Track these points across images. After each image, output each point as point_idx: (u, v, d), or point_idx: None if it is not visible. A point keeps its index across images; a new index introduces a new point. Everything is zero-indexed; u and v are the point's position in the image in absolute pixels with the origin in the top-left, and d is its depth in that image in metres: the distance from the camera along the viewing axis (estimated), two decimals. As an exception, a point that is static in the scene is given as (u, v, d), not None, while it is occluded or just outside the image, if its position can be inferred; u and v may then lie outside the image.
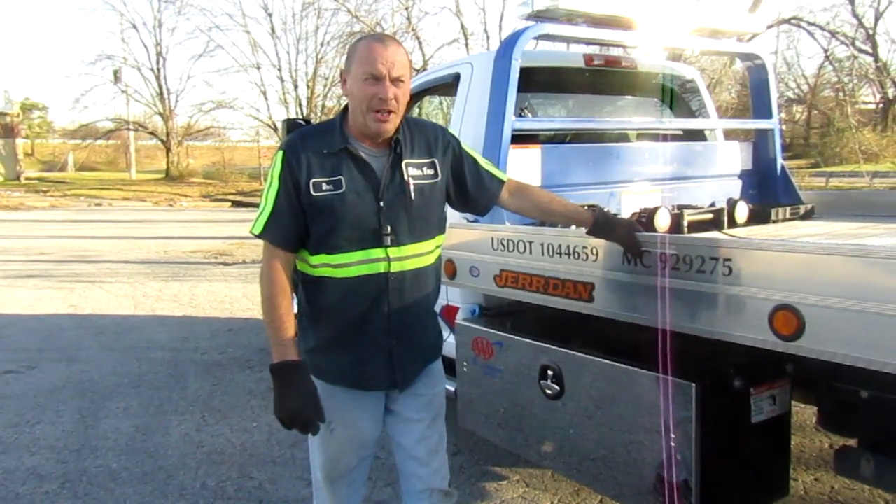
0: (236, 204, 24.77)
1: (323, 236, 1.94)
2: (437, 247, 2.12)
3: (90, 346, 6.08)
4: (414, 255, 2.01)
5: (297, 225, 1.94)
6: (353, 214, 1.92)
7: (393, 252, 1.96)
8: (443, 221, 2.14)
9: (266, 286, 1.95)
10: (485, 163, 2.24)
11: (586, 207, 3.19)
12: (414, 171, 2.01)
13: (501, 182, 2.25)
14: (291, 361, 1.91)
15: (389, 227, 1.95)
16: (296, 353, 1.93)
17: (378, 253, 1.95)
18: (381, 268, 1.96)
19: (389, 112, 1.91)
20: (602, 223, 2.24)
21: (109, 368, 5.41)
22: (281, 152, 1.96)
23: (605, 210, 2.21)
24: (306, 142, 1.97)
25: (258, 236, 1.96)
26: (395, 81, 1.90)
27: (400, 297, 2.00)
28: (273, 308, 1.93)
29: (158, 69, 35.72)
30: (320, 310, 2.01)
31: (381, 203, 1.94)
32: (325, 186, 1.91)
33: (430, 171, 2.05)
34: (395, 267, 1.97)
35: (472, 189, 2.17)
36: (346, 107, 2.02)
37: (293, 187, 1.92)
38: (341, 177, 1.93)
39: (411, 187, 1.98)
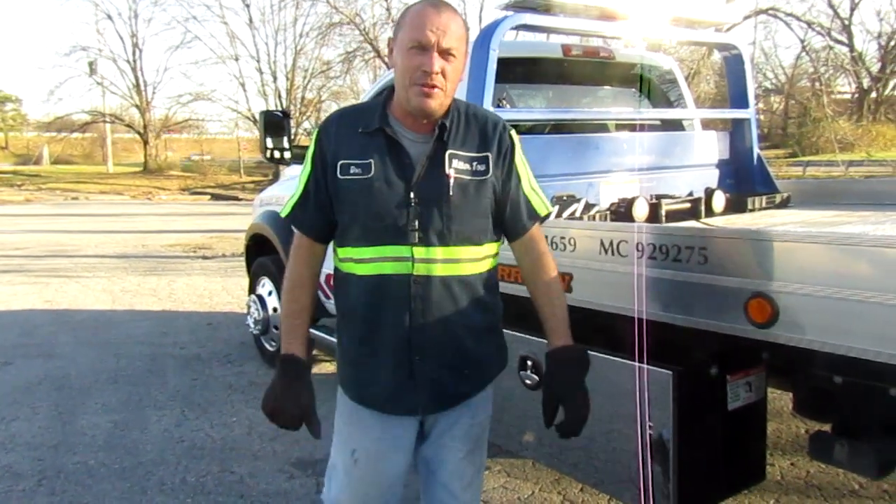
0: (216, 197, 24.57)
1: (348, 226, 1.74)
2: (487, 256, 1.80)
3: (67, 342, 6.00)
4: (446, 260, 1.72)
5: (323, 212, 1.76)
6: (379, 204, 1.69)
7: (419, 252, 1.70)
8: (491, 227, 1.80)
9: (287, 276, 1.83)
10: (529, 186, 1.85)
11: (567, 197, 3.21)
12: (459, 165, 1.72)
13: (536, 217, 1.85)
14: (292, 356, 1.78)
15: (417, 223, 1.69)
16: (302, 350, 1.80)
17: (403, 251, 1.70)
18: (404, 268, 1.71)
19: (434, 87, 1.65)
20: (554, 361, 1.86)
21: (87, 364, 5.34)
22: (316, 131, 1.80)
23: (573, 358, 1.84)
24: (344, 119, 1.80)
25: (286, 218, 1.82)
26: (445, 53, 1.64)
27: (424, 305, 1.72)
28: (289, 301, 1.82)
29: (135, 61, 35.24)
30: (345, 312, 1.83)
31: (412, 195, 1.69)
32: (352, 170, 1.71)
33: (481, 168, 1.75)
34: (420, 269, 1.70)
35: (507, 215, 1.82)
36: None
37: (322, 169, 1.74)
38: (371, 160, 1.70)
39: (451, 181, 1.70)
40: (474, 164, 1.74)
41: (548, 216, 1.90)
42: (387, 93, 1.80)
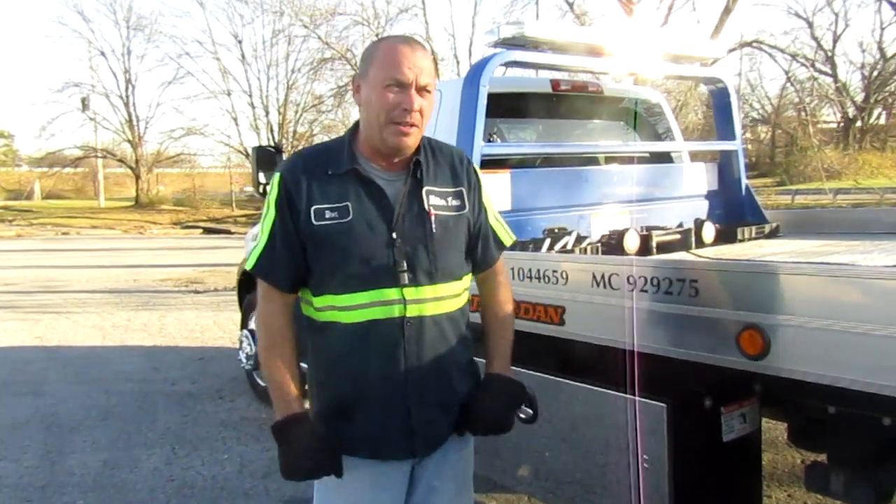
0: (207, 231, 24.54)
1: (328, 273, 1.66)
2: (465, 290, 1.81)
3: (56, 379, 5.93)
4: (435, 299, 1.70)
5: (294, 260, 1.67)
6: (363, 247, 1.64)
7: (410, 293, 1.66)
8: (468, 261, 1.81)
9: (263, 334, 1.70)
10: (494, 217, 1.87)
11: (558, 230, 3.24)
12: (436, 201, 1.71)
13: (502, 248, 1.89)
14: (297, 415, 1.66)
15: (405, 264, 1.65)
16: (301, 405, 1.68)
17: (393, 294, 1.65)
18: (395, 311, 1.66)
19: (412, 125, 1.63)
20: (481, 384, 1.85)
21: (76, 401, 5.28)
22: (278, 175, 1.68)
23: (508, 388, 1.86)
24: (308, 162, 1.70)
25: (250, 272, 1.71)
26: (422, 91, 1.63)
27: (419, 348, 1.69)
28: (271, 358, 1.69)
29: (127, 96, 35.50)
30: (328, 363, 1.73)
31: (395, 235, 1.65)
32: (328, 214, 1.64)
33: (457, 202, 1.75)
34: (413, 311, 1.67)
35: (478, 248, 1.83)
36: (357, 123, 1.75)
37: (291, 216, 1.65)
38: (348, 203, 1.65)
39: (433, 219, 1.69)
40: (450, 199, 1.74)
41: (511, 246, 1.92)
42: (350, 131, 1.75)
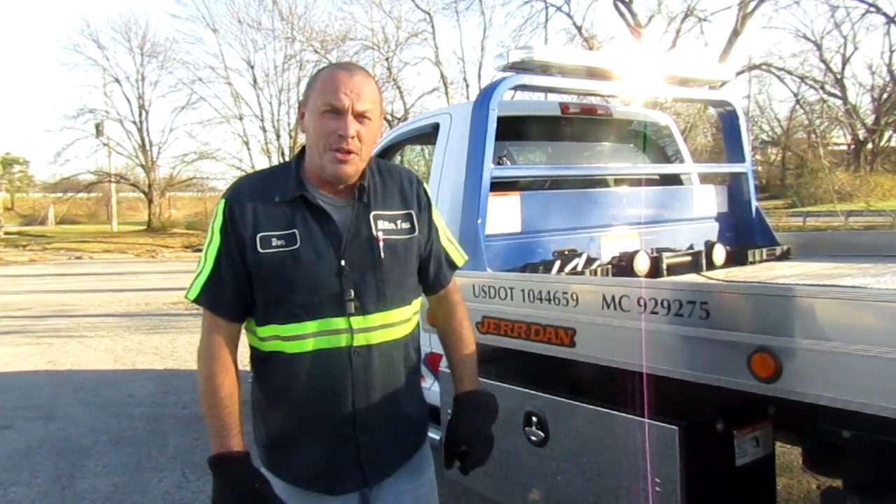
0: (219, 254, 24.63)
1: (273, 302, 1.62)
2: (415, 313, 1.79)
3: (68, 403, 5.95)
4: (383, 326, 1.68)
5: (241, 289, 1.62)
6: (310, 276, 1.60)
7: (357, 322, 1.64)
8: (418, 284, 1.82)
9: (204, 364, 1.63)
10: (446, 238, 1.87)
11: (568, 251, 3.24)
12: (385, 225, 1.69)
13: (455, 268, 1.89)
14: (233, 453, 1.59)
15: (353, 292, 1.63)
16: (240, 443, 1.62)
17: (339, 323, 1.63)
18: (342, 341, 1.63)
19: (350, 152, 1.60)
20: (460, 405, 1.83)
21: (87, 425, 5.29)
22: (223, 201, 1.65)
23: (480, 403, 1.85)
24: (254, 188, 1.66)
25: (194, 302, 1.64)
26: (360, 117, 1.60)
27: (367, 377, 1.66)
28: (213, 390, 1.61)
29: (141, 122, 36.04)
30: (272, 393, 1.70)
31: (342, 262, 1.62)
32: (275, 242, 1.60)
33: (406, 225, 1.73)
34: (360, 340, 1.65)
35: (430, 270, 1.83)
36: (304, 149, 1.72)
37: (236, 243, 1.61)
38: (295, 230, 1.61)
39: (381, 244, 1.67)
40: (399, 222, 1.72)
41: (464, 264, 1.92)
42: (296, 157, 1.72)
